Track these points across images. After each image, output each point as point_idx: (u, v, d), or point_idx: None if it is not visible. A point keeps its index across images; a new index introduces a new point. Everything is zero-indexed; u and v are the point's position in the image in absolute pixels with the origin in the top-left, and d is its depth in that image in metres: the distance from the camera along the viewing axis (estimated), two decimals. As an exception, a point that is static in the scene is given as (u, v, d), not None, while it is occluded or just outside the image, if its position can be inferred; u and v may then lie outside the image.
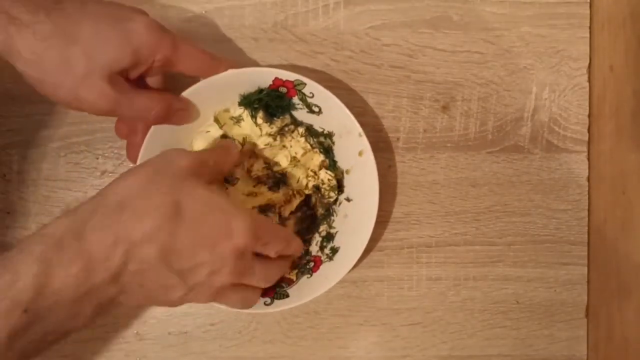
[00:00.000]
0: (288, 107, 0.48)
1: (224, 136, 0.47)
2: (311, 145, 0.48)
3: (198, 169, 0.39)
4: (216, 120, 0.47)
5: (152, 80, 0.44)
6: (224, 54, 0.51)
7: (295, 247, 0.44)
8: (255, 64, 0.51)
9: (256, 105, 0.47)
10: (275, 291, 0.47)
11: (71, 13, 0.38)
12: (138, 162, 0.44)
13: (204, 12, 0.51)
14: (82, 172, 0.51)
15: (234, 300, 0.41)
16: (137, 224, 0.35)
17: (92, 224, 0.34)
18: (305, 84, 0.45)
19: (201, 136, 0.47)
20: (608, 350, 0.50)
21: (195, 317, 0.51)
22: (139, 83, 0.44)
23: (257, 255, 0.41)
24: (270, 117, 0.47)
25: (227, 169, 0.45)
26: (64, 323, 0.34)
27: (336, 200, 0.49)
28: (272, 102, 0.47)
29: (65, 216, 0.35)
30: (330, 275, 0.46)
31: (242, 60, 0.51)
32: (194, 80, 0.45)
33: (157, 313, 0.51)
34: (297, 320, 0.52)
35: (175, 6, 0.51)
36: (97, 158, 0.51)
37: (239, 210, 0.38)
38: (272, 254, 0.41)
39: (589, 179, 0.53)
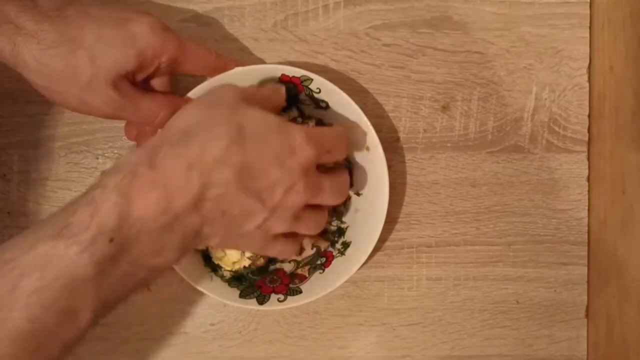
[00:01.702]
0: (294, 101, 0.48)
1: None
2: None
3: (248, 98, 0.39)
4: None
5: (158, 82, 0.44)
6: (224, 54, 0.51)
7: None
8: (255, 64, 0.51)
9: None
10: (289, 288, 0.47)
11: (74, 19, 0.38)
12: None
13: (204, 12, 0.51)
14: (82, 172, 0.51)
15: (313, 222, 0.41)
16: (207, 149, 0.34)
17: (163, 154, 0.34)
18: (312, 80, 0.45)
19: None
20: (608, 350, 0.50)
21: (195, 317, 0.51)
22: (146, 85, 0.44)
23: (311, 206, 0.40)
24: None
25: (273, 106, 0.44)
26: (150, 258, 0.33)
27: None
28: None
29: (133, 151, 0.35)
30: (342, 270, 0.46)
31: (242, 61, 0.51)
32: (199, 79, 0.45)
33: (157, 313, 0.51)
34: (297, 320, 0.52)
35: (175, 6, 0.51)
36: (97, 158, 0.51)
37: (295, 126, 0.38)
38: (339, 157, 0.42)
39: (589, 179, 0.53)
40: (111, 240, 0.31)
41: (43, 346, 0.31)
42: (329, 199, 0.41)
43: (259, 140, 0.36)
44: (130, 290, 0.34)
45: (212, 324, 0.51)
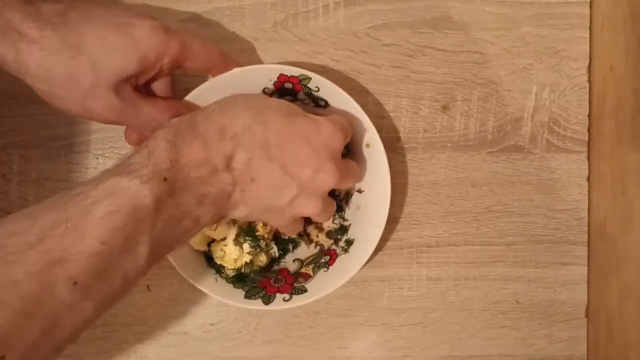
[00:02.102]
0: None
1: None
2: None
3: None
4: None
5: (159, 85, 0.44)
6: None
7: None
8: (255, 64, 0.51)
9: None
10: (293, 287, 0.47)
11: (76, 24, 0.38)
12: None
13: (203, 12, 0.51)
14: (82, 172, 0.51)
15: (329, 209, 0.44)
16: (237, 118, 0.39)
17: (201, 118, 0.39)
18: (310, 78, 0.45)
19: None
20: (608, 350, 0.50)
21: (195, 317, 0.51)
22: (147, 88, 0.43)
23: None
24: None
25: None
26: (193, 207, 0.37)
27: (347, 192, 0.49)
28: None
29: (173, 120, 0.39)
30: (347, 267, 0.46)
31: (242, 61, 0.51)
32: (199, 79, 0.45)
33: (157, 313, 0.51)
34: (297, 320, 0.52)
35: (175, 6, 0.51)
36: (97, 158, 0.51)
37: (320, 117, 0.42)
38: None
39: (589, 179, 0.53)
40: (165, 179, 0.35)
41: (109, 271, 0.33)
42: (350, 183, 0.45)
43: (288, 120, 0.40)
44: (176, 237, 0.37)
45: (212, 324, 0.51)
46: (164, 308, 0.51)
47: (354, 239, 0.48)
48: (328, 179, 0.41)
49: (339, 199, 0.50)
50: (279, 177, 0.39)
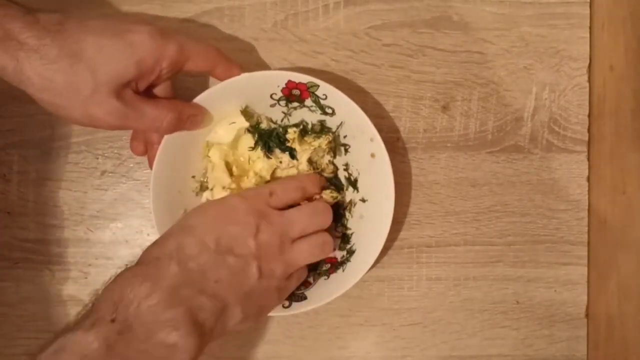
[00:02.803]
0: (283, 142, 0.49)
1: (250, 129, 0.48)
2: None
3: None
4: (244, 112, 0.47)
5: (161, 88, 0.44)
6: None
7: (308, 183, 0.47)
8: (256, 64, 0.51)
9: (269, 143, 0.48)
10: (294, 294, 0.46)
11: (74, 32, 0.39)
12: (154, 168, 0.45)
13: (203, 12, 0.51)
14: (82, 172, 0.51)
15: (307, 250, 0.45)
16: (167, 244, 0.40)
17: (144, 256, 0.40)
18: (318, 86, 0.45)
19: (225, 127, 0.47)
20: (608, 350, 0.50)
21: (195, 317, 0.51)
22: (149, 93, 0.44)
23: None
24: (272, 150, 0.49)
25: None
26: (163, 335, 0.36)
27: (351, 201, 0.49)
28: (270, 140, 0.48)
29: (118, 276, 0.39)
30: (347, 276, 0.46)
31: (242, 61, 0.50)
32: (199, 79, 0.45)
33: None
34: (297, 320, 0.52)
35: (175, 6, 0.51)
36: (97, 158, 0.51)
37: (231, 194, 0.45)
38: (290, 199, 0.46)
39: (589, 179, 0.53)
40: (112, 320, 0.35)
41: None
42: (308, 224, 0.45)
43: (207, 218, 0.42)
44: None
45: (212, 324, 0.51)
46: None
47: (355, 249, 0.48)
48: (267, 236, 0.42)
49: (342, 208, 0.50)
50: (234, 262, 0.40)
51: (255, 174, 0.48)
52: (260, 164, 0.48)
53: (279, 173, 0.49)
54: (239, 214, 0.42)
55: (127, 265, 0.43)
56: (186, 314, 0.37)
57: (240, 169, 0.48)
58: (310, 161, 0.49)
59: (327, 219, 0.46)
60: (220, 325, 0.39)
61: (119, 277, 0.38)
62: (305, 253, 0.45)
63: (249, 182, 0.48)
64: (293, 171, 0.49)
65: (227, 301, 0.39)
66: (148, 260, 0.39)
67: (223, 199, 0.44)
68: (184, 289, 0.38)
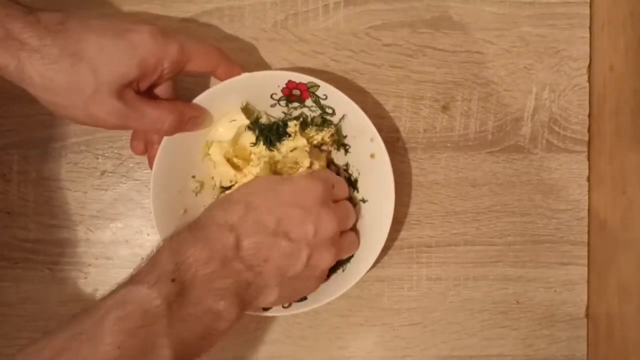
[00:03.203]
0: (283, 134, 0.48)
1: (251, 126, 0.48)
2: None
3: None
4: (244, 110, 0.47)
5: (162, 89, 0.44)
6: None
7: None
8: (256, 63, 0.51)
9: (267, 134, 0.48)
10: None
11: (75, 32, 0.39)
12: (154, 168, 0.45)
13: (204, 12, 0.51)
14: (82, 172, 0.51)
15: (349, 246, 0.46)
16: (229, 213, 0.41)
17: (196, 226, 0.40)
18: (318, 86, 0.45)
19: (225, 125, 0.47)
20: (608, 350, 0.50)
21: (195, 317, 0.51)
22: (150, 93, 0.44)
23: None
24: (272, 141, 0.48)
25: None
26: (212, 302, 0.37)
27: (350, 199, 0.49)
28: (270, 133, 0.48)
29: (175, 231, 0.40)
30: (347, 277, 0.46)
31: (242, 61, 0.51)
32: (199, 79, 0.45)
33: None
34: (297, 320, 0.52)
35: (175, 6, 0.51)
36: (97, 158, 0.51)
37: (297, 175, 0.45)
38: (342, 194, 0.47)
39: (589, 179, 0.53)
40: (173, 280, 0.36)
41: None
42: (350, 223, 0.46)
43: (272, 195, 0.42)
44: (201, 336, 0.37)
45: (212, 324, 0.51)
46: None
47: None
48: (330, 226, 0.42)
49: None
50: (287, 246, 0.41)
51: (259, 157, 0.48)
52: (259, 149, 0.48)
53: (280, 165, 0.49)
54: (307, 198, 0.42)
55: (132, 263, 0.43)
56: (233, 285, 0.38)
57: (241, 157, 0.48)
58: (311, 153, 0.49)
59: (354, 218, 0.48)
60: (256, 301, 0.41)
61: (181, 236, 0.39)
62: (351, 248, 0.47)
63: (254, 167, 0.47)
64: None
65: (270, 282, 0.40)
66: (210, 224, 0.40)
67: (292, 178, 0.44)
68: (236, 263, 0.39)
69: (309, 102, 0.47)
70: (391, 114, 0.52)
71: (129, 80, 0.40)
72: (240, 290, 0.39)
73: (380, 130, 0.45)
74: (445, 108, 0.52)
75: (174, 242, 0.39)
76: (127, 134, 0.49)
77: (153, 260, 0.38)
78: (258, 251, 0.40)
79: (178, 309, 0.35)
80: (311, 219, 0.42)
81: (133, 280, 0.36)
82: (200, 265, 0.37)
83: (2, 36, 0.37)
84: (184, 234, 0.39)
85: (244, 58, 0.51)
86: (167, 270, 0.36)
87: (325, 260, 0.43)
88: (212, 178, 0.48)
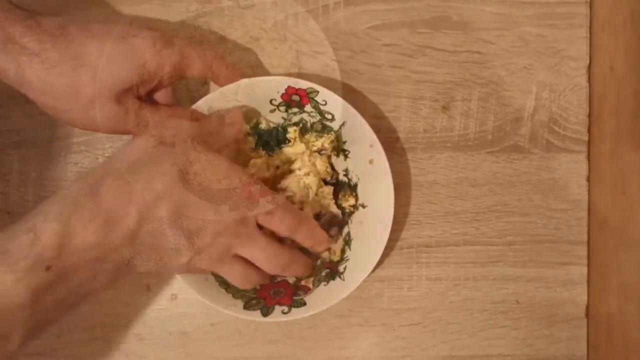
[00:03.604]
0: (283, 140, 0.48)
1: (250, 131, 0.48)
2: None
3: (203, 133, 0.41)
4: (243, 115, 0.47)
5: (162, 94, 0.44)
6: (225, 54, 0.51)
7: (309, 231, 0.43)
8: (255, 64, 0.51)
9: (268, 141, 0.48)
10: (293, 300, 0.46)
11: (76, 36, 0.39)
12: None
13: (204, 12, 0.51)
14: (82, 172, 0.51)
15: (235, 272, 0.41)
16: (149, 186, 0.36)
17: (107, 186, 0.36)
18: (318, 92, 0.45)
19: None
20: (608, 350, 0.50)
21: (195, 318, 0.51)
22: (150, 98, 0.44)
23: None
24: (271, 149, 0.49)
25: (233, 139, 0.45)
26: (84, 285, 0.35)
27: (352, 206, 0.49)
28: (269, 138, 0.48)
29: (78, 180, 0.36)
30: (346, 282, 0.46)
31: (242, 61, 0.51)
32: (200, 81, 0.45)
33: (157, 314, 0.51)
34: (297, 320, 0.52)
35: (175, 6, 0.51)
36: (97, 158, 0.51)
37: (240, 173, 0.40)
38: (281, 228, 0.41)
39: (589, 179, 0.53)
40: (48, 268, 0.33)
41: None
42: (259, 255, 0.41)
43: (199, 184, 0.38)
44: (61, 314, 0.36)
45: (213, 325, 0.51)
46: (164, 308, 0.51)
47: (354, 255, 0.48)
48: (226, 242, 0.39)
49: (342, 213, 0.50)
50: (181, 243, 0.38)
51: (257, 155, 0.48)
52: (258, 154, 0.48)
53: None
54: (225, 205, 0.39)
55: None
56: (113, 271, 0.36)
57: (240, 162, 0.48)
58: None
59: (275, 269, 0.42)
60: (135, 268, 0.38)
61: (81, 204, 0.35)
62: (236, 278, 0.42)
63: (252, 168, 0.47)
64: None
65: (147, 265, 0.38)
66: (110, 196, 0.36)
67: (230, 171, 0.40)
68: (125, 249, 0.36)
69: (308, 107, 0.47)
70: (391, 114, 0.52)
71: (128, 85, 0.40)
72: (117, 271, 0.37)
73: (379, 131, 0.45)
74: (445, 108, 0.52)
75: (67, 211, 0.34)
76: (127, 135, 0.49)
77: (34, 231, 0.33)
78: (153, 239, 0.37)
79: (45, 297, 0.33)
80: (217, 226, 0.38)
81: (4, 255, 0.32)
82: (87, 249, 0.34)
83: (2, 40, 0.37)
84: (84, 201, 0.35)
85: (244, 58, 0.51)
86: (46, 255, 0.33)
87: (203, 265, 0.40)
88: None
